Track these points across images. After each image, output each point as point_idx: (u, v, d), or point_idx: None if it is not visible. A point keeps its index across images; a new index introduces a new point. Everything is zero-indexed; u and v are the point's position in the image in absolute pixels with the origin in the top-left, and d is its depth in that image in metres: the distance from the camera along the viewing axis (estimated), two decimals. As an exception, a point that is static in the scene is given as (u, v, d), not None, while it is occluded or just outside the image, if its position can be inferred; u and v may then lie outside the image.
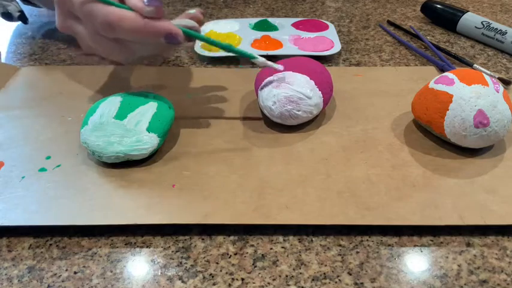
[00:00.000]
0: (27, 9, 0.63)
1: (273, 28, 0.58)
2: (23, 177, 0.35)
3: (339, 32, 0.59)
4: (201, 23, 0.38)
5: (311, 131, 0.40)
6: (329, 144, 0.38)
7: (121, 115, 0.36)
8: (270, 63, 0.38)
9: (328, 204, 0.32)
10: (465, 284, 0.28)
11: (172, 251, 0.30)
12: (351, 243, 0.31)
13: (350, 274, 0.29)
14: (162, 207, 0.32)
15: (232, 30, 0.57)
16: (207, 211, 0.32)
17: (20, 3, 0.62)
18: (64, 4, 0.36)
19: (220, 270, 0.29)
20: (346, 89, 0.46)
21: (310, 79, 0.39)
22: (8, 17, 0.58)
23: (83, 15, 0.35)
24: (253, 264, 0.29)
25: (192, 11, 0.38)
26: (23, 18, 0.58)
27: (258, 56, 0.38)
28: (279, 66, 0.39)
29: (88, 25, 0.35)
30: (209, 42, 0.38)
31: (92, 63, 0.40)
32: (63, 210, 0.32)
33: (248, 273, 0.29)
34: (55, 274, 0.29)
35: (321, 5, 0.69)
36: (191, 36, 0.36)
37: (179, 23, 0.36)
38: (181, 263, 0.30)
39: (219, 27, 0.57)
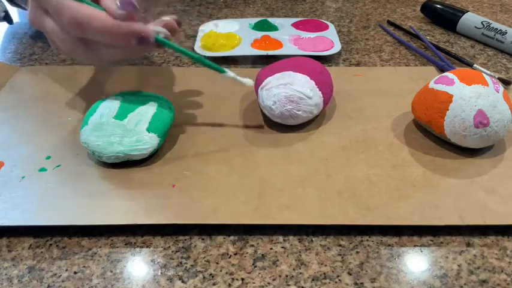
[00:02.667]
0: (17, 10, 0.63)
1: (273, 28, 0.58)
2: (23, 177, 0.35)
3: (339, 32, 0.59)
4: (173, 32, 0.37)
5: (311, 131, 0.40)
6: (329, 144, 0.38)
7: (121, 115, 0.36)
8: (239, 78, 0.37)
9: (328, 204, 0.32)
10: (465, 284, 0.28)
11: (172, 251, 0.30)
12: (351, 243, 0.31)
13: (350, 274, 0.29)
14: (162, 207, 0.32)
15: (232, 30, 0.57)
16: (207, 211, 0.32)
17: (7, 3, 0.61)
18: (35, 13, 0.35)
19: (220, 270, 0.29)
20: (346, 89, 0.46)
21: (311, 79, 0.39)
22: None
23: (53, 10, 0.33)
24: (253, 264, 0.29)
25: (167, 18, 0.37)
26: (7, 18, 0.58)
27: (227, 70, 0.37)
28: (248, 81, 0.38)
29: (57, 22, 0.34)
30: (180, 51, 0.36)
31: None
32: (63, 210, 0.32)
33: (248, 273, 0.29)
34: (55, 274, 0.29)
35: (321, 5, 0.69)
36: (162, 43, 0.35)
37: (152, 28, 0.35)
38: (181, 263, 0.30)
39: (219, 27, 0.57)
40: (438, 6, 0.62)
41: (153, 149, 0.36)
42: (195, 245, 0.31)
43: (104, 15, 0.32)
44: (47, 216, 0.32)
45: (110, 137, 0.35)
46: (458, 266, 0.29)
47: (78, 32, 0.33)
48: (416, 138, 0.39)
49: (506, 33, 0.54)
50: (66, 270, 0.29)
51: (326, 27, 0.58)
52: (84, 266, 0.29)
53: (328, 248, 0.31)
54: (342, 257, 0.30)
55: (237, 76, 0.38)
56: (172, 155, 0.37)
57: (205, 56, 0.52)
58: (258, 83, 0.41)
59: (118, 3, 0.32)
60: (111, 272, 0.29)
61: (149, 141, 0.35)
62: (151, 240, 0.31)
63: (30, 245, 0.31)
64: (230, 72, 0.37)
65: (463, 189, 0.34)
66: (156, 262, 0.30)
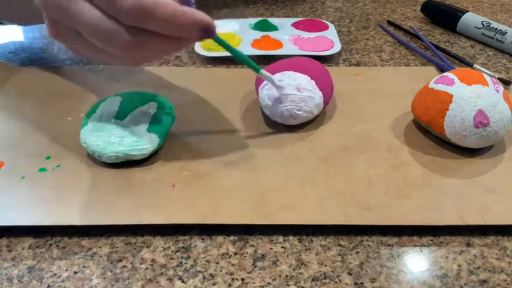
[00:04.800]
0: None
1: (273, 28, 0.58)
2: (23, 177, 0.35)
3: (339, 32, 0.59)
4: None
5: (311, 131, 0.40)
6: (329, 144, 0.38)
7: (121, 115, 0.36)
8: (272, 78, 0.37)
9: (328, 204, 0.32)
10: (465, 284, 0.28)
11: (172, 251, 0.30)
12: (351, 243, 0.31)
13: (350, 274, 0.29)
14: (162, 207, 0.32)
15: (232, 30, 0.57)
16: (207, 211, 0.32)
17: None
18: (57, 8, 0.29)
19: (220, 270, 0.29)
20: (346, 89, 0.46)
21: (311, 79, 0.39)
22: None
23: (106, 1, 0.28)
24: (253, 264, 0.29)
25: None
26: None
27: (263, 71, 0.37)
28: (281, 87, 0.38)
29: (110, 8, 0.28)
30: (225, 46, 0.34)
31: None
32: (63, 210, 0.32)
33: (248, 273, 0.29)
34: (55, 274, 0.29)
35: (321, 5, 0.69)
36: (217, 41, 0.33)
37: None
38: (181, 263, 0.30)
39: (219, 27, 0.57)
40: (438, 6, 0.62)
41: (153, 149, 0.36)
42: (195, 245, 0.31)
43: (171, 2, 0.28)
44: (47, 216, 0.32)
45: (110, 137, 0.35)
46: (458, 266, 0.29)
47: (138, 19, 0.27)
48: (416, 138, 0.39)
49: (506, 33, 0.54)
50: (66, 270, 0.29)
51: (326, 27, 0.58)
52: (84, 266, 0.29)
53: (328, 248, 0.31)
54: (342, 257, 0.30)
55: (272, 77, 0.37)
56: (172, 155, 0.37)
57: (205, 56, 0.52)
58: (258, 83, 0.41)
59: None
60: (111, 272, 0.29)
61: (149, 141, 0.35)
62: (151, 240, 0.31)
63: (30, 245, 0.31)
64: (265, 72, 0.37)
65: (463, 189, 0.34)
66: (156, 262, 0.30)
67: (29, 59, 0.54)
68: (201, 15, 0.29)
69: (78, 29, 0.29)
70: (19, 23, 0.54)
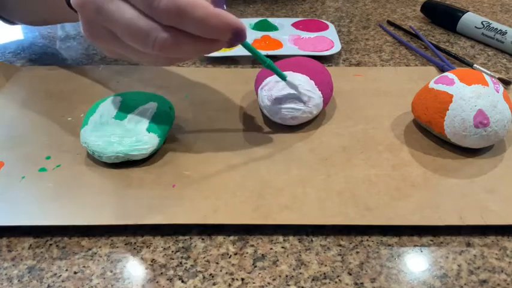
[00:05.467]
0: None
1: (273, 28, 0.58)
2: (23, 177, 0.35)
3: (339, 32, 0.59)
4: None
5: (311, 131, 0.40)
6: (329, 144, 0.38)
7: (121, 115, 0.36)
8: (299, 89, 0.37)
9: (328, 204, 0.32)
10: (465, 284, 0.28)
11: (172, 251, 0.30)
12: (351, 243, 0.31)
13: (350, 274, 0.29)
14: (162, 207, 0.32)
15: (232, 30, 0.57)
16: (207, 211, 0.32)
17: None
18: (94, 8, 0.29)
19: (220, 270, 0.29)
20: (346, 89, 0.46)
21: (310, 79, 0.39)
22: None
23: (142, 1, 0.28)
24: (253, 264, 0.29)
25: None
26: None
27: (289, 79, 0.37)
28: (306, 96, 0.38)
29: (147, 8, 0.28)
30: (253, 52, 0.35)
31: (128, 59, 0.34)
32: (63, 210, 0.32)
33: (248, 273, 0.29)
34: (55, 274, 0.29)
35: (321, 5, 0.69)
36: (245, 46, 0.34)
37: None
38: (181, 263, 0.30)
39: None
40: (438, 6, 0.62)
41: (153, 149, 0.36)
42: (195, 245, 0.31)
43: (205, 3, 0.28)
44: (47, 216, 0.32)
45: (110, 137, 0.35)
46: (458, 266, 0.29)
47: (173, 19, 0.28)
48: (416, 138, 0.39)
49: (506, 33, 0.54)
50: (66, 270, 0.29)
51: (326, 27, 0.58)
52: (84, 266, 0.29)
53: (328, 248, 0.31)
54: (342, 257, 0.30)
55: (298, 87, 0.38)
56: (172, 155, 0.37)
57: (205, 56, 0.52)
58: (258, 83, 0.41)
59: None
60: (111, 272, 0.29)
61: (149, 141, 0.35)
62: (151, 240, 0.31)
63: (30, 245, 0.31)
64: (292, 82, 0.37)
65: (463, 189, 0.34)
66: (156, 262, 0.30)
67: (29, 59, 0.54)
68: (234, 19, 0.29)
69: (114, 29, 0.29)
70: (37, 24, 0.55)
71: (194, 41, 0.29)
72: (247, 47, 0.34)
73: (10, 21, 0.53)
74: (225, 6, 0.30)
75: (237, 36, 0.29)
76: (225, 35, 0.29)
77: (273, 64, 0.37)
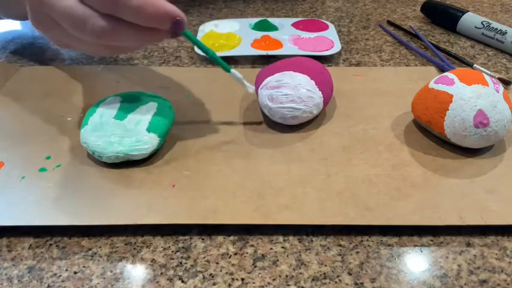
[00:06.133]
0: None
1: (273, 28, 0.58)
2: (23, 177, 0.35)
3: (339, 32, 0.59)
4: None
5: (311, 131, 0.40)
6: (329, 144, 0.38)
7: (121, 115, 0.36)
8: (244, 81, 0.38)
9: (328, 204, 0.32)
10: (465, 284, 0.28)
11: (172, 251, 0.30)
12: (351, 243, 0.31)
13: (350, 274, 0.29)
14: (162, 207, 0.32)
15: (232, 30, 0.57)
16: (207, 211, 0.32)
17: None
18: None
19: (220, 270, 0.29)
20: (346, 89, 0.46)
21: (311, 79, 0.39)
22: None
23: None
24: (253, 264, 0.29)
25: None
26: None
27: (234, 71, 0.37)
28: (251, 87, 0.39)
29: (91, 2, 0.29)
30: (195, 43, 0.36)
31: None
32: (63, 210, 0.32)
33: (248, 273, 0.29)
34: (55, 274, 0.29)
35: (321, 5, 0.69)
36: (187, 36, 0.33)
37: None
38: (181, 263, 0.30)
39: (219, 27, 0.57)
40: (438, 6, 0.62)
41: (153, 149, 0.36)
42: (195, 245, 0.31)
43: None
44: (47, 216, 0.32)
45: (110, 137, 0.35)
46: (458, 266, 0.29)
47: (109, 7, 0.29)
48: (416, 138, 0.39)
49: (506, 33, 0.54)
50: (66, 270, 0.29)
51: (326, 27, 0.58)
52: (84, 266, 0.29)
53: (328, 248, 0.31)
54: (342, 257, 0.30)
55: (243, 79, 0.38)
56: (172, 155, 0.37)
57: (205, 56, 0.52)
58: (258, 83, 0.41)
59: None
60: (111, 272, 0.29)
61: (149, 141, 0.35)
62: (151, 240, 0.31)
63: (30, 245, 0.31)
64: (236, 74, 0.37)
65: (463, 189, 0.34)
66: (156, 262, 0.30)
67: (29, 59, 0.54)
68: (172, 8, 0.29)
69: (55, 17, 0.30)
70: (19, 18, 0.56)
71: (133, 30, 0.30)
72: (189, 37, 0.34)
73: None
74: None
75: (176, 25, 0.30)
76: (164, 24, 0.30)
77: (216, 55, 0.37)
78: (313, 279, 0.28)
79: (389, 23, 0.63)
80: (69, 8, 0.29)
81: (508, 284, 0.28)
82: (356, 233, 0.32)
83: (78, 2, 0.30)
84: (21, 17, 0.54)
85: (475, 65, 0.50)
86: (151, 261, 0.30)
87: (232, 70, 0.37)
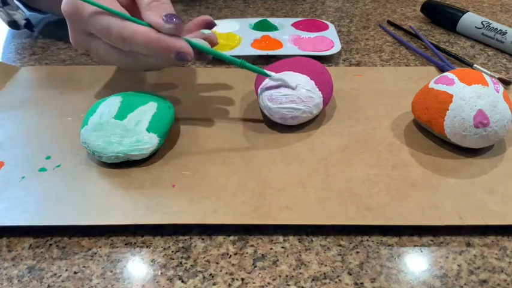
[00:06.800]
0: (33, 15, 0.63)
1: (273, 28, 0.58)
2: (23, 177, 0.35)
3: (339, 32, 0.59)
4: (212, 45, 0.39)
5: (311, 131, 0.40)
6: (329, 144, 0.38)
7: (121, 115, 0.36)
8: (286, 80, 0.38)
9: (328, 204, 0.32)
10: (465, 284, 0.28)
11: (172, 251, 0.30)
12: (351, 243, 0.31)
13: (350, 274, 0.29)
14: (162, 207, 0.32)
15: (232, 30, 0.57)
16: (207, 211, 0.32)
17: (25, 10, 0.62)
18: (77, 22, 0.37)
19: (220, 270, 0.29)
20: (346, 89, 0.46)
21: (310, 79, 0.39)
22: (15, 25, 0.58)
23: (99, 31, 0.36)
24: (253, 264, 0.29)
25: (207, 31, 0.39)
26: (29, 26, 0.59)
27: (273, 74, 0.38)
28: (293, 86, 0.38)
29: (104, 40, 0.36)
30: (223, 58, 0.38)
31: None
32: (63, 210, 0.32)
33: (248, 273, 0.29)
34: (55, 274, 0.29)
35: (321, 5, 0.69)
36: (205, 51, 0.37)
37: (192, 40, 0.36)
38: (181, 263, 0.30)
39: (219, 27, 0.57)
40: (438, 6, 0.62)
41: (153, 149, 0.36)
42: (195, 245, 0.31)
43: (147, 31, 0.34)
44: (47, 216, 0.32)
45: (110, 137, 0.35)
46: (458, 266, 0.29)
47: (124, 46, 0.36)
48: (416, 138, 0.39)
49: (506, 33, 0.54)
50: (66, 270, 0.29)
51: (326, 27, 0.58)
52: (84, 266, 0.29)
53: (328, 248, 0.31)
54: (342, 257, 0.30)
55: (284, 79, 0.38)
56: (172, 155, 0.37)
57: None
58: (258, 83, 0.41)
59: (164, 17, 0.34)
60: (111, 272, 0.29)
61: (149, 141, 0.35)
62: (151, 240, 0.31)
63: (30, 245, 0.31)
64: (275, 75, 0.38)
65: (463, 189, 0.34)
66: (156, 262, 0.30)
67: (29, 59, 0.54)
68: (175, 43, 0.34)
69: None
70: (55, 13, 0.63)
71: (149, 59, 0.37)
72: (215, 54, 0.38)
73: (42, 11, 0.62)
74: (175, 20, 0.34)
75: (178, 56, 0.35)
76: (170, 55, 0.35)
77: (247, 63, 0.38)
78: (313, 279, 0.28)
79: (389, 23, 0.63)
80: (104, 50, 0.38)
81: (508, 284, 0.28)
82: (356, 233, 0.32)
83: (107, 44, 0.37)
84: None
85: (475, 65, 0.50)
86: (151, 261, 0.30)
87: (271, 73, 0.38)
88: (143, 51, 0.35)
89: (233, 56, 0.38)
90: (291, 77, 0.38)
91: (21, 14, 0.58)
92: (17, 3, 0.61)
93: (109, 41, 0.36)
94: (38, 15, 0.64)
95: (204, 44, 0.37)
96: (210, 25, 0.39)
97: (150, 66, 0.39)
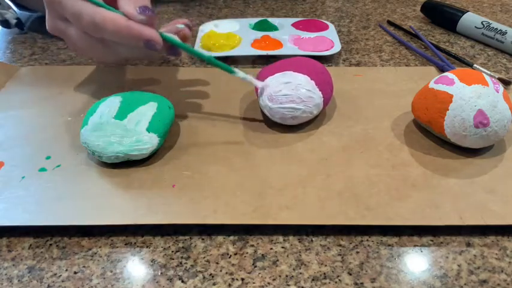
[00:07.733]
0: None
1: (273, 28, 0.58)
2: (23, 177, 0.35)
3: (339, 32, 0.59)
4: (185, 40, 0.39)
5: (311, 131, 0.40)
6: (329, 144, 0.38)
7: (121, 115, 0.36)
8: (249, 77, 0.38)
9: (328, 204, 0.32)
10: (465, 284, 0.28)
11: (172, 251, 0.30)
12: (351, 243, 0.31)
13: (350, 274, 0.29)
14: (162, 207, 0.32)
15: (232, 30, 0.57)
16: (207, 211, 0.32)
17: (16, 9, 0.63)
18: (53, 6, 0.37)
19: (220, 270, 0.29)
20: (346, 89, 0.46)
21: (311, 79, 0.39)
22: (6, 24, 0.59)
23: (72, 15, 0.36)
24: (253, 264, 0.29)
25: (181, 26, 0.39)
26: (20, 25, 0.60)
27: (237, 71, 0.38)
28: (258, 83, 0.39)
29: (76, 25, 0.37)
30: (192, 52, 0.38)
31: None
32: (63, 210, 0.32)
33: (248, 273, 0.29)
34: (55, 274, 0.29)
35: (321, 5, 0.69)
36: (175, 44, 0.37)
37: (163, 33, 0.37)
38: (181, 263, 0.30)
39: (219, 27, 0.57)
40: (438, 6, 0.62)
41: (153, 149, 0.36)
42: (195, 245, 0.31)
43: (118, 17, 0.35)
44: (47, 216, 0.32)
45: (110, 137, 0.35)
46: (458, 266, 0.29)
47: (95, 32, 0.36)
48: (416, 138, 0.39)
49: (506, 33, 0.54)
50: (66, 270, 0.29)
51: (326, 27, 0.58)
52: (84, 266, 0.29)
53: (328, 248, 0.31)
54: (342, 257, 0.30)
55: (247, 76, 0.38)
56: (172, 155, 0.37)
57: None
58: (258, 83, 0.41)
59: (138, 8, 0.35)
60: (111, 272, 0.29)
61: (149, 141, 0.35)
62: (151, 240, 0.31)
63: (30, 245, 0.31)
64: (240, 72, 0.38)
65: (463, 189, 0.34)
66: (156, 262, 0.30)
67: (29, 59, 0.54)
68: (145, 31, 0.35)
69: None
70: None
71: (119, 46, 0.37)
72: (179, 45, 0.37)
73: (30, 9, 0.62)
74: (148, 12, 0.35)
75: (148, 44, 0.35)
76: (139, 43, 0.35)
77: (214, 59, 0.38)
78: (313, 279, 0.28)
79: (389, 23, 0.63)
80: (77, 36, 0.38)
81: (508, 284, 0.28)
82: (356, 233, 0.32)
83: (79, 31, 0.37)
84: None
85: (475, 65, 0.50)
86: (151, 261, 0.30)
87: (235, 69, 0.38)
88: (113, 38, 0.36)
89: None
90: (291, 77, 0.38)
91: (12, 13, 0.60)
92: (8, 1, 0.62)
93: (81, 27, 0.36)
94: (32, 14, 0.64)
95: (175, 37, 0.37)
96: (187, 26, 0.40)
97: (122, 55, 0.39)
